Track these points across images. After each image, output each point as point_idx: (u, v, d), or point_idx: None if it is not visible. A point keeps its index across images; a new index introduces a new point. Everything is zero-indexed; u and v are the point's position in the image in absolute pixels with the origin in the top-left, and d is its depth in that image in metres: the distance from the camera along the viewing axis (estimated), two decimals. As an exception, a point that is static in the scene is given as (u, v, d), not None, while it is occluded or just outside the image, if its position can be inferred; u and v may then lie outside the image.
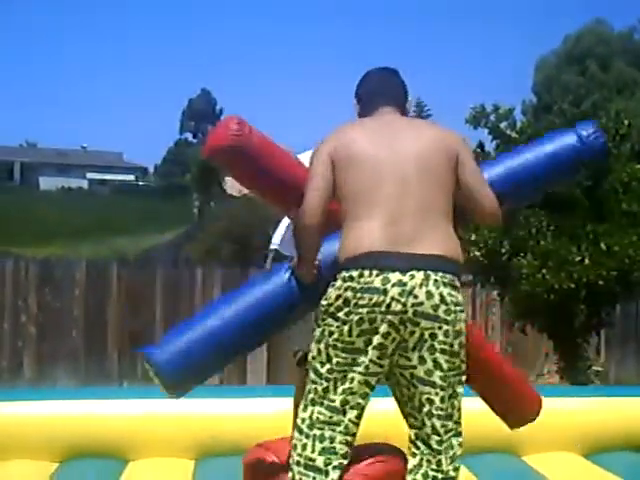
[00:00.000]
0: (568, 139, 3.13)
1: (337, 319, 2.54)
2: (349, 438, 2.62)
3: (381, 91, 2.82)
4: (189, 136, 61.00)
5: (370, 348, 2.52)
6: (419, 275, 2.50)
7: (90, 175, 54.91)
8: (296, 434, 2.66)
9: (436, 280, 2.51)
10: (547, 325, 7.35)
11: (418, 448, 2.63)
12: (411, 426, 2.65)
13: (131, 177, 56.38)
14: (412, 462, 2.64)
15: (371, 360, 2.53)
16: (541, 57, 34.74)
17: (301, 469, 2.60)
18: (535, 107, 32.45)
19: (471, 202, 2.68)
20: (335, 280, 2.58)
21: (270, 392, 4.92)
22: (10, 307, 9.00)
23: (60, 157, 54.94)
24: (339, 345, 2.55)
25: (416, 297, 2.49)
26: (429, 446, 2.60)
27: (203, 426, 4.20)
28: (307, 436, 2.61)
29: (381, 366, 2.56)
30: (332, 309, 2.55)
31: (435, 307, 2.51)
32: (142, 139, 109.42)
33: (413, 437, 2.64)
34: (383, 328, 2.51)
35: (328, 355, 2.57)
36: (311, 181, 2.63)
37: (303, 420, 2.63)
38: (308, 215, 2.59)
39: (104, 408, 4.21)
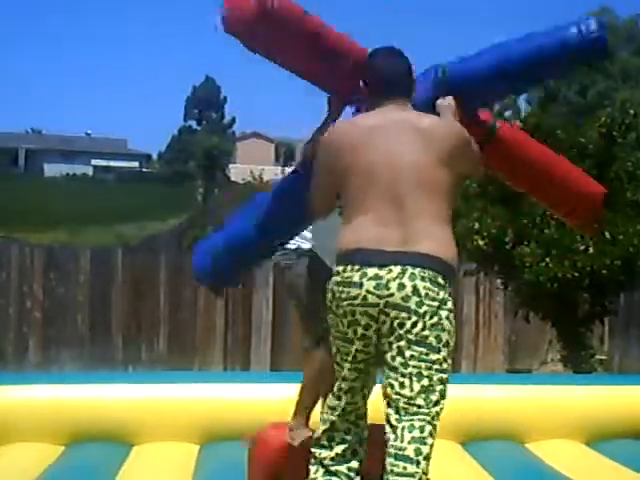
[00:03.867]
0: (567, 31, 3.00)
1: (332, 312, 2.73)
2: (350, 417, 2.79)
3: (388, 82, 2.82)
4: (193, 123, 60.86)
5: (356, 338, 2.69)
6: (396, 269, 2.60)
7: (95, 162, 54.89)
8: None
9: (413, 274, 2.59)
10: (551, 313, 7.36)
11: (386, 423, 2.70)
12: (386, 405, 2.72)
13: (135, 164, 56.34)
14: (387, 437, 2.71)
15: (357, 350, 2.71)
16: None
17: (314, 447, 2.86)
18: (540, 95, 32.34)
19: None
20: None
21: (274, 378, 4.95)
22: (15, 293, 9.04)
23: (65, 144, 54.90)
24: (338, 335, 2.74)
25: (389, 289, 2.60)
26: (390, 424, 2.65)
27: (207, 411, 4.22)
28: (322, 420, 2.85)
29: (367, 353, 2.71)
30: (328, 303, 2.74)
31: (405, 298, 2.59)
32: (146, 126, 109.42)
33: (385, 415, 2.70)
34: (363, 320, 2.65)
35: (336, 346, 2.77)
36: (316, 180, 2.88)
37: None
38: (316, 212, 3.00)
39: (109, 392, 4.24)
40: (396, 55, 2.89)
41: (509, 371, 9.26)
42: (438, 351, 2.62)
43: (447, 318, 2.64)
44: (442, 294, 2.63)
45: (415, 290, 2.58)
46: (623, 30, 33.65)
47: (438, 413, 2.65)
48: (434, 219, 2.67)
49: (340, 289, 2.67)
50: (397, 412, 2.62)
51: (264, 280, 9.36)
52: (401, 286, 2.58)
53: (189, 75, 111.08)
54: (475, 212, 7.04)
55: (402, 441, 2.58)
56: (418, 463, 2.57)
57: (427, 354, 2.61)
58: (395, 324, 2.60)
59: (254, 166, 26.22)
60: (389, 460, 2.59)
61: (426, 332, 2.60)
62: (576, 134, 7.16)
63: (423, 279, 2.59)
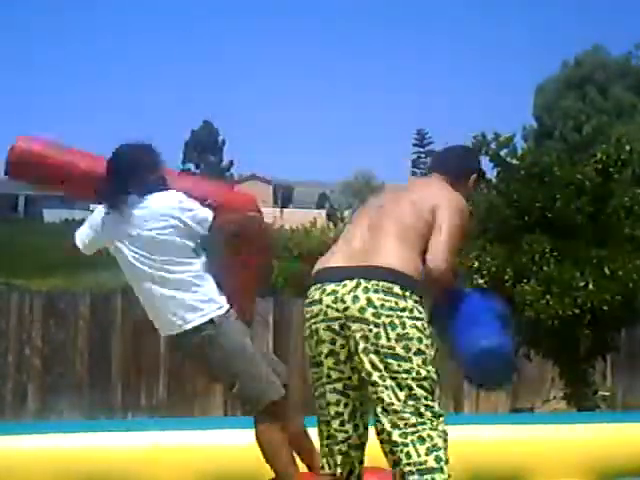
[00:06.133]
0: None
1: (305, 338, 2.80)
2: (342, 447, 2.76)
3: (437, 162, 3.23)
4: (192, 167, 61.21)
5: (323, 358, 2.74)
6: (351, 283, 2.70)
7: (94, 206, 55.05)
8: None
9: (366, 287, 2.68)
10: (552, 351, 7.33)
11: (385, 452, 2.67)
12: (378, 432, 2.69)
13: (134, 208, 56.51)
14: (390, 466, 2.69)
15: (329, 368, 2.74)
16: (540, 83, 34.95)
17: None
18: (536, 132, 32.57)
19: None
20: None
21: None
22: (14, 340, 9.00)
23: (63, 189, 55.10)
24: (311, 361, 2.80)
25: (344, 302, 2.68)
26: (394, 442, 2.61)
27: (208, 457, 4.18)
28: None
29: (341, 371, 2.73)
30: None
31: (361, 310, 2.66)
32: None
33: (385, 435, 2.67)
34: (326, 335, 2.72)
35: (312, 374, 2.81)
36: None
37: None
38: None
39: (109, 440, 4.20)
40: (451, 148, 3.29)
41: (512, 410, 9.19)
42: (409, 360, 2.63)
43: (413, 327, 2.65)
44: (403, 303, 2.66)
45: (369, 302, 2.65)
46: (616, 67, 34.00)
47: (435, 414, 2.63)
48: (400, 242, 2.76)
49: (307, 309, 2.78)
50: (396, 427, 2.61)
51: (264, 320, 9.32)
52: (355, 299, 2.67)
53: (187, 119, 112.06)
54: (474, 251, 7.04)
55: (419, 455, 2.58)
56: (442, 470, 2.59)
57: (399, 365, 2.62)
58: (358, 337, 2.65)
59: (253, 208, 26.21)
60: (412, 478, 2.57)
61: (392, 343, 2.63)
62: (573, 171, 7.20)
63: (376, 291, 2.66)
